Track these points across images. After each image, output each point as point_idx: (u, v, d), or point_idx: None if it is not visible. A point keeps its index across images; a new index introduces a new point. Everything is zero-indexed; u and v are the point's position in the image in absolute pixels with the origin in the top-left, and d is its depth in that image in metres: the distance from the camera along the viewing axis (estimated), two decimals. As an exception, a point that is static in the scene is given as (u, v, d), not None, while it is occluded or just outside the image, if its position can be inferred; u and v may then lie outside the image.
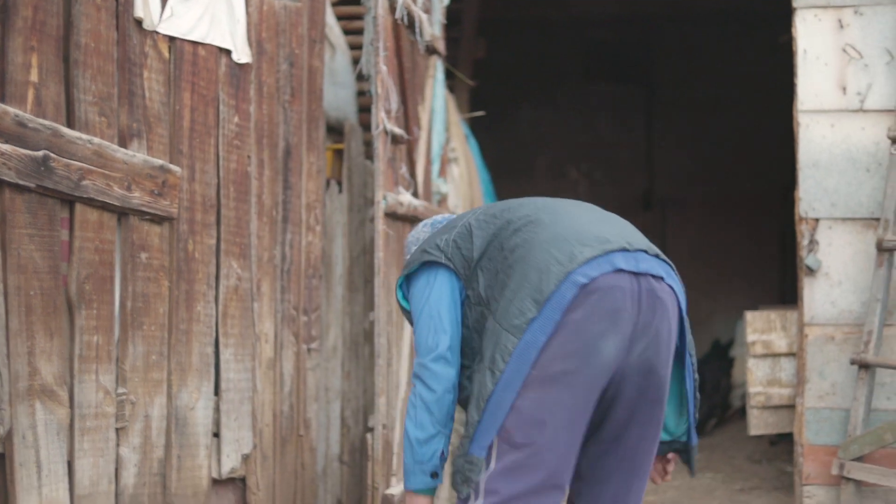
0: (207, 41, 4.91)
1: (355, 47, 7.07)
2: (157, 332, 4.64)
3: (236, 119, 5.10)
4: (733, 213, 13.24)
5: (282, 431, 5.47)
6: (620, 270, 3.51)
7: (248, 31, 5.18)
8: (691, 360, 3.79)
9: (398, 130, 5.70)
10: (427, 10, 6.54)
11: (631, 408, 3.62)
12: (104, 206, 4.29)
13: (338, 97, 7.11)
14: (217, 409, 5.02)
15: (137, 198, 4.43)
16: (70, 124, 4.16)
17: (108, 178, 4.26)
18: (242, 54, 5.13)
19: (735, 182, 13.20)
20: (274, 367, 5.40)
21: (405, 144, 5.95)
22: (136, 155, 4.43)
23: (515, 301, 3.49)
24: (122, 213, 4.41)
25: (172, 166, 4.65)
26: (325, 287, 6.13)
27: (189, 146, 4.81)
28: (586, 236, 3.58)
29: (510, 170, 13.41)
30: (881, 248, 6.46)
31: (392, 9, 5.65)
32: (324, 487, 6.17)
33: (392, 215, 5.60)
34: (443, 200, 7.04)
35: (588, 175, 13.63)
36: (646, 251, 3.62)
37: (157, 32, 4.64)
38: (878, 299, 6.46)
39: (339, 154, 6.94)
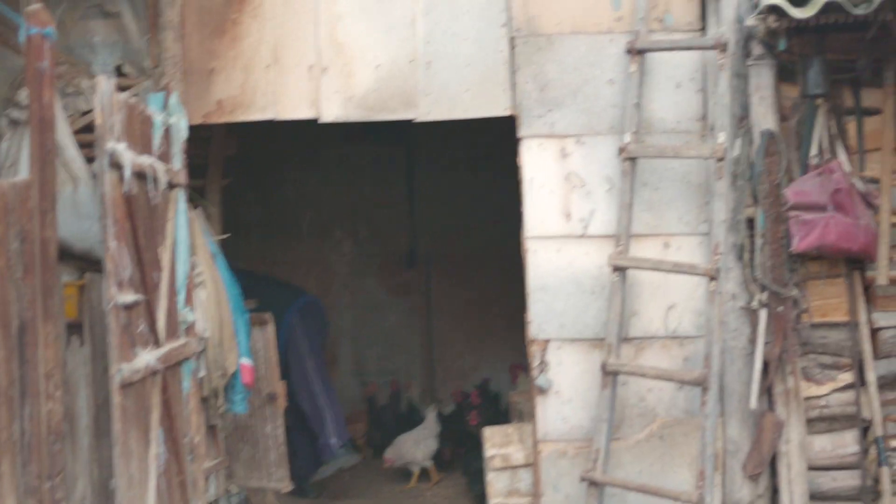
0: (-69, 243, 4.97)
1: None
2: None
3: (-35, 309, 5.16)
4: (494, 266, 13.60)
5: None
6: None
7: (-24, 218, 5.24)
8: None
9: (131, 298, 5.83)
10: (165, 153, 6.67)
11: None
12: None
13: (82, 228, 7.13)
14: None
15: None
16: None
17: None
18: (-31, 245, 5.19)
19: (494, 236, 13.57)
20: (16, 542, 5.47)
21: (142, 301, 6.08)
22: None
23: None
24: None
25: None
26: (71, 441, 6.21)
27: (-85, 349, 4.87)
28: None
29: (277, 230, 13.58)
30: (605, 370, 6.87)
31: (121, 180, 5.77)
32: None
33: (128, 384, 5.73)
34: (190, 328, 7.17)
35: (353, 234, 13.85)
36: None
37: None
38: (605, 419, 6.87)
39: (84, 289, 6.99)
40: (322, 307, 11.51)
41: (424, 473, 11.12)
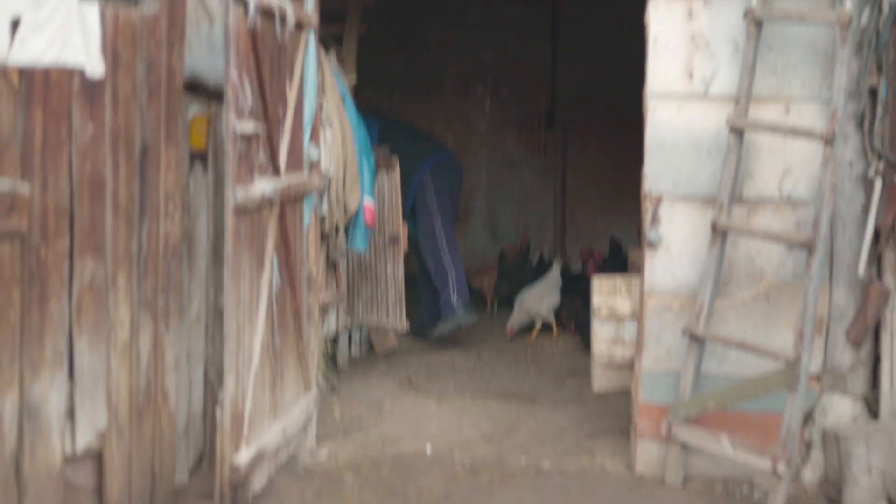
0: (59, 63, 5.24)
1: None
2: (9, 336, 5.07)
3: (90, 128, 5.45)
4: (631, 129, 13.60)
5: (138, 405, 5.92)
6: None
7: (104, 43, 5.50)
8: None
9: (251, 128, 6.06)
10: (295, -10, 6.86)
11: None
12: (-49, 237, 4.69)
13: (215, 64, 7.38)
14: (71, 395, 5.48)
15: (-16, 222, 4.83)
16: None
17: (-47, 209, 4.64)
18: (97, 68, 5.45)
19: (635, 103, 13.56)
20: (130, 349, 5.83)
21: (263, 132, 6.31)
22: (-19, 183, 4.81)
23: None
24: (-30, 239, 4.81)
25: (21, 185, 5.03)
26: (189, 261, 6.51)
27: (41, 160, 5.19)
28: None
29: (419, 85, 13.76)
30: (715, 228, 6.93)
31: (246, 15, 5.96)
32: (185, 445, 6.62)
33: (243, 209, 5.99)
34: (314, 165, 7.41)
35: (493, 93, 13.95)
36: None
37: (7, 65, 4.98)
38: (711, 276, 6.95)
39: (211, 120, 7.25)
40: (457, 163, 11.68)
41: (546, 329, 11.36)
